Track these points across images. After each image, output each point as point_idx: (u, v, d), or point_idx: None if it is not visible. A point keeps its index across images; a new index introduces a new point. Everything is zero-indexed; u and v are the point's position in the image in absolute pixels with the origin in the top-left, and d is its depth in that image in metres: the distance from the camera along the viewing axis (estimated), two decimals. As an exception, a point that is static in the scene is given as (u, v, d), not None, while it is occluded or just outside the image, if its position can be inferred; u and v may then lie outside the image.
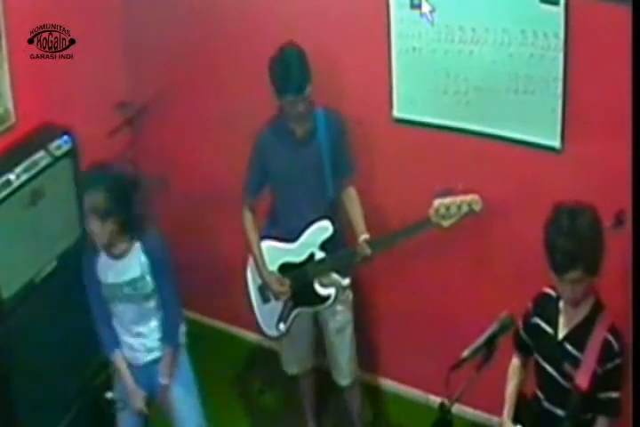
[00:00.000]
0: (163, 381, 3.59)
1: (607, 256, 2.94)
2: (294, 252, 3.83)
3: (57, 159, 3.85)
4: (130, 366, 3.60)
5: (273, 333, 3.98)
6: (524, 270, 3.70)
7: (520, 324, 3.16)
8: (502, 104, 3.62)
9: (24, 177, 3.69)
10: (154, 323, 3.56)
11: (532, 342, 3.17)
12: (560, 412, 3.05)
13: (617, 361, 2.93)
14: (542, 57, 3.43)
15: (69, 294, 3.91)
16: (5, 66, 3.74)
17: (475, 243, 3.88)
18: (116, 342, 3.58)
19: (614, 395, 2.95)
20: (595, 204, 2.95)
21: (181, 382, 3.67)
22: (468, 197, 3.48)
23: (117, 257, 3.44)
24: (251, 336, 4.87)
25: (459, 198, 3.48)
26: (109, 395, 3.62)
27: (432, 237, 3.68)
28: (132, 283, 3.45)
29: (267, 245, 3.87)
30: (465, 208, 3.49)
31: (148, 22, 4.40)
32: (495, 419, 3.36)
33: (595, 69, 3.34)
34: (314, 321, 3.99)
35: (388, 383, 4.55)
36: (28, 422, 3.83)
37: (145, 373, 3.61)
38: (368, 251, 3.64)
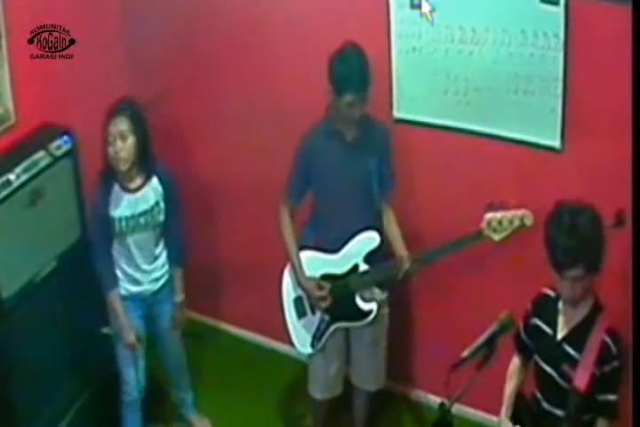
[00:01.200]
0: (178, 298, 3.98)
1: (607, 256, 2.94)
2: (336, 263, 3.72)
3: (57, 159, 3.85)
4: (131, 300, 3.86)
5: (306, 350, 3.85)
6: (525, 270, 3.70)
7: (521, 325, 3.17)
8: (502, 104, 3.62)
9: (24, 177, 3.69)
10: (160, 250, 3.89)
11: (531, 343, 3.17)
12: (559, 413, 3.05)
13: (615, 364, 2.92)
14: (542, 57, 3.43)
15: (69, 294, 3.92)
16: (5, 66, 3.74)
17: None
18: (116, 281, 3.82)
19: (612, 397, 2.95)
20: (595, 204, 2.95)
21: (171, 300, 4.01)
22: (520, 212, 3.45)
23: (134, 190, 3.72)
24: (255, 338, 4.88)
25: (510, 213, 3.46)
26: (105, 330, 3.94)
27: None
28: (149, 211, 3.76)
29: (306, 255, 3.74)
30: (517, 222, 3.46)
31: (149, 22, 4.40)
32: (495, 419, 3.35)
33: (595, 69, 3.34)
34: (346, 339, 3.88)
35: (387, 384, 4.56)
36: (28, 422, 3.83)
37: (147, 303, 3.94)
38: (412, 267, 3.58)
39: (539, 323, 3.12)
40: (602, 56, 3.29)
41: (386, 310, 3.86)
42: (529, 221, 3.46)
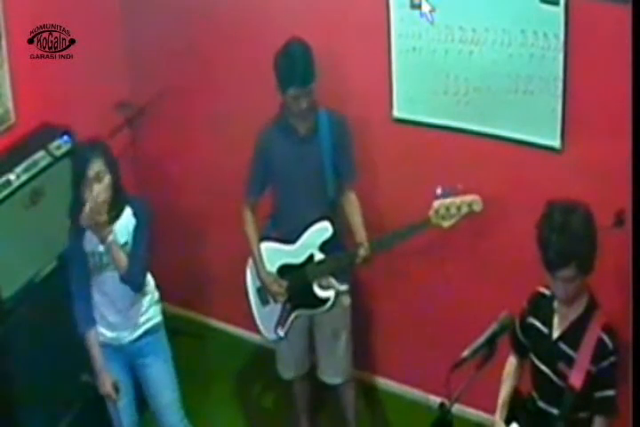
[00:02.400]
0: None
1: (604, 255, 2.94)
2: (294, 253, 3.81)
3: (57, 159, 3.85)
4: (110, 347, 3.58)
5: (271, 336, 3.95)
6: (523, 271, 3.70)
7: (516, 324, 3.17)
8: (502, 104, 3.62)
9: (24, 177, 3.69)
10: (143, 292, 3.56)
11: (527, 342, 3.18)
12: (555, 411, 3.05)
13: (612, 359, 2.93)
14: (542, 57, 3.43)
15: (69, 294, 3.91)
16: (5, 66, 3.74)
17: (474, 243, 3.88)
18: (92, 321, 3.56)
19: (610, 393, 2.95)
20: (595, 204, 2.95)
21: (161, 357, 3.68)
22: (469, 198, 3.48)
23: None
24: (252, 337, 4.88)
25: (459, 199, 3.48)
26: (84, 377, 3.69)
27: (430, 237, 3.70)
28: (123, 246, 3.46)
29: (266, 246, 3.86)
30: (465, 209, 3.48)
31: (148, 22, 4.40)
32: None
33: (595, 69, 3.34)
34: (309, 324, 3.97)
35: (388, 383, 4.56)
36: (28, 422, 3.83)
37: (127, 353, 3.62)
38: (367, 253, 3.63)
39: (534, 322, 3.12)
40: (602, 56, 3.29)
41: (347, 302, 3.91)
42: (478, 207, 3.47)
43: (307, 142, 3.69)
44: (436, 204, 3.50)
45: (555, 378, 3.04)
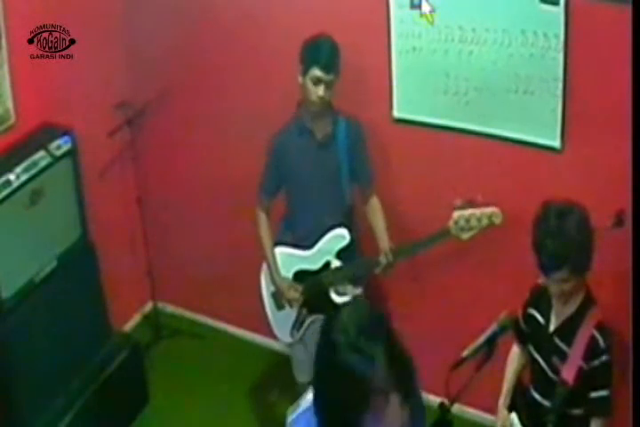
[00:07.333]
0: None
1: (604, 255, 2.94)
2: (310, 259, 3.78)
3: (57, 159, 3.84)
4: None
5: (286, 339, 3.95)
6: (524, 271, 3.70)
7: (520, 314, 3.18)
8: (502, 104, 3.62)
9: (24, 177, 3.69)
10: None
11: (528, 332, 3.19)
12: (547, 403, 3.07)
13: (603, 358, 2.93)
14: (542, 57, 3.43)
15: (69, 294, 3.92)
16: (5, 66, 3.74)
17: (474, 243, 3.87)
18: None
19: (604, 393, 2.96)
20: (595, 204, 2.95)
21: None
22: (489, 210, 3.43)
23: None
24: (253, 337, 4.88)
25: (479, 211, 3.43)
26: None
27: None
28: None
29: (281, 251, 3.82)
30: (485, 221, 3.44)
31: (148, 22, 4.40)
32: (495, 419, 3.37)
33: (595, 69, 3.34)
34: None
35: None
36: (28, 422, 3.83)
37: None
38: (389, 261, 3.61)
39: (534, 313, 3.14)
40: (602, 56, 3.30)
41: None
42: (498, 220, 3.44)
43: (324, 148, 3.66)
44: (456, 215, 3.45)
45: (548, 371, 3.05)
